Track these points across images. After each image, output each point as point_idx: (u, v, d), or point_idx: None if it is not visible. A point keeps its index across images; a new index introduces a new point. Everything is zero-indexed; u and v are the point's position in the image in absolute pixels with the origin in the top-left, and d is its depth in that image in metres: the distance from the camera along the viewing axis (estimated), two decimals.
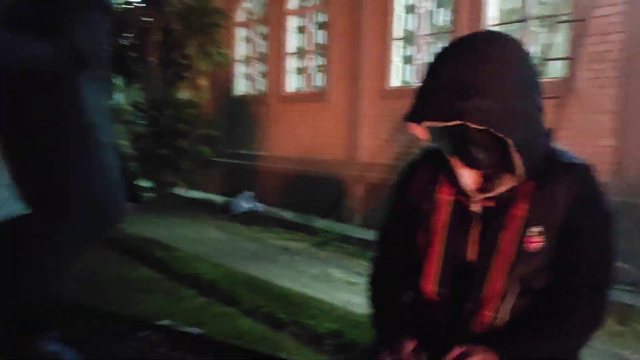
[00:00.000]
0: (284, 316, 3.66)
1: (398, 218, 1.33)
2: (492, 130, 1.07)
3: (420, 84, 1.14)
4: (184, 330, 0.97)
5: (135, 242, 5.29)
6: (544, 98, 1.17)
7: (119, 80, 9.22)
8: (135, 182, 1.63)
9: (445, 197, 1.24)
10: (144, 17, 8.21)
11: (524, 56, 1.14)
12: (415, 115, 1.12)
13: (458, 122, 1.07)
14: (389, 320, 1.28)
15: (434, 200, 1.24)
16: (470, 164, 1.19)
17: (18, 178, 1.39)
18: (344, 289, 4.56)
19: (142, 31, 8.18)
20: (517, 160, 1.11)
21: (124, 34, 8.61)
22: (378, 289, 1.37)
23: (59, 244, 1.41)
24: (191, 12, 8.04)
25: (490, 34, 1.21)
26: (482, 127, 1.07)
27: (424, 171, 1.29)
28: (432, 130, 1.19)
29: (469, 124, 1.07)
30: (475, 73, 1.07)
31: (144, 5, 8.17)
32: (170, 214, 7.30)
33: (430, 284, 1.22)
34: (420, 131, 1.20)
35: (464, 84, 1.06)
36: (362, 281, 4.68)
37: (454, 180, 1.22)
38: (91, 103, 1.45)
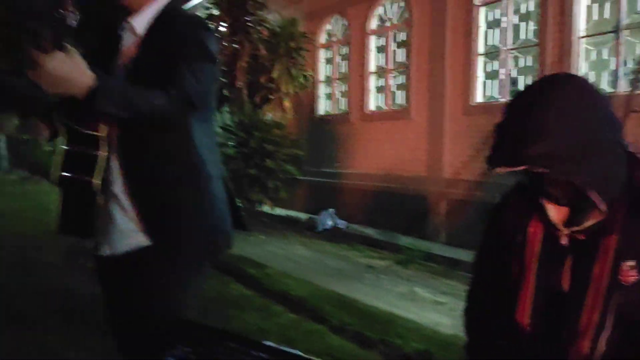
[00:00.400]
0: (372, 334, 3.74)
1: (492, 250, 1.38)
2: (556, 173, 1.11)
3: (494, 128, 1.20)
4: (293, 352, 1.05)
5: (228, 259, 5.58)
6: (620, 128, 1.19)
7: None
8: (240, 211, 1.79)
9: (536, 229, 1.28)
10: (233, 44, 8.67)
11: (589, 93, 1.16)
12: (489, 161, 1.19)
13: (524, 167, 1.12)
14: (484, 351, 1.33)
15: (526, 232, 1.29)
16: (552, 200, 1.23)
17: (140, 212, 1.60)
18: (430, 308, 4.56)
19: (231, 58, 8.64)
20: (595, 196, 1.14)
21: None
22: (473, 319, 1.43)
23: (178, 271, 1.60)
24: (277, 37, 8.39)
25: (556, 77, 1.24)
26: (546, 171, 1.11)
27: (516, 204, 1.34)
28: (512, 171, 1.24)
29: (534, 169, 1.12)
30: (537, 117, 1.11)
31: (233, 32, 8.64)
32: (259, 232, 7.59)
33: (524, 315, 1.26)
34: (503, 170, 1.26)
35: (527, 129, 1.11)
36: (449, 301, 4.68)
37: (543, 214, 1.26)
38: (201, 141, 1.63)
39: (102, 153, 1.55)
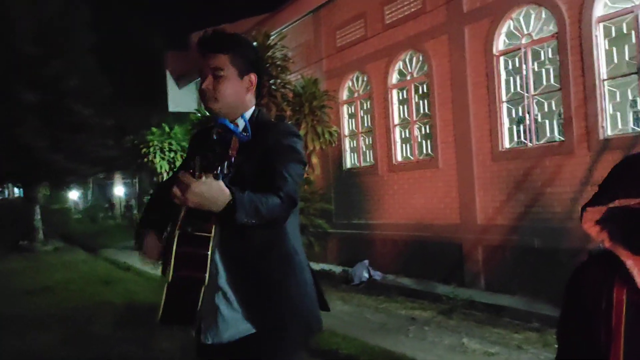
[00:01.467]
0: None
1: (575, 318, 1.44)
2: None
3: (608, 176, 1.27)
4: None
5: None
6: None
7: None
8: (323, 293, 1.92)
9: (620, 294, 1.35)
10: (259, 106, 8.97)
11: None
12: (603, 196, 1.25)
13: None
14: None
15: (611, 298, 1.36)
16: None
17: (244, 302, 1.72)
18: (483, 359, 4.53)
19: None
20: None
21: None
22: None
23: (281, 356, 1.71)
24: (300, 98, 8.68)
25: None
26: None
27: (596, 272, 1.42)
28: (607, 223, 1.31)
29: None
30: None
31: (258, 96, 8.96)
32: None
33: None
34: (594, 229, 1.34)
35: None
36: (500, 351, 4.65)
37: (628, 279, 1.33)
38: (292, 232, 1.79)
39: (209, 252, 1.69)
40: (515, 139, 6.87)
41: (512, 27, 6.85)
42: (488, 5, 6.98)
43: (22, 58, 13.93)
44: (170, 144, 15.23)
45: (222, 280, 1.74)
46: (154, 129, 15.28)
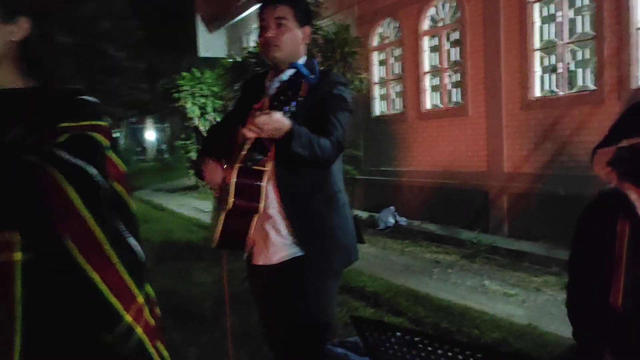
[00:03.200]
0: (449, 326, 4.01)
1: (585, 249, 1.65)
2: None
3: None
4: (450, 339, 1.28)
5: None
6: None
7: None
8: (360, 229, 2.17)
9: (624, 226, 1.54)
10: None
11: None
12: (611, 138, 1.41)
13: None
14: (589, 333, 1.60)
15: (615, 230, 1.55)
16: None
17: (294, 230, 1.98)
18: (501, 300, 4.78)
19: None
20: None
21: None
22: (576, 308, 1.69)
23: (324, 277, 1.98)
24: (331, 44, 8.70)
25: None
26: None
27: (603, 209, 1.61)
28: (617, 159, 1.48)
29: None
30: None
31: None
32: None
33: (618, 298, 1.53)
34: (604, 171, 1.51)
35: None
36: (519, 292, 4.89)
37: (632, 213, 1.51)
38: (337, 174, 2.02)
39: (264, 184, 1.92)
40: (547, 87, 6.86)
41: None
42: None
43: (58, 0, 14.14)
44: (200, 89, 15.41)
45: (274, 210, 1.99)
46: (184, 74, 15.45)
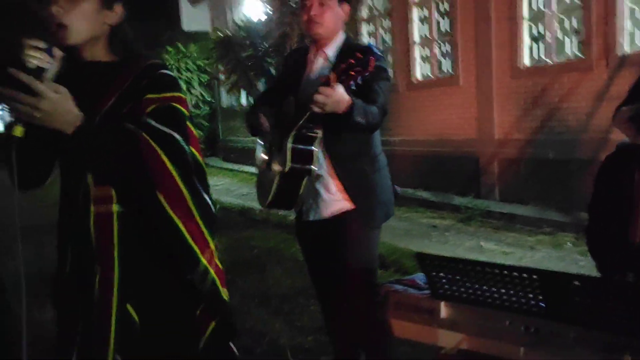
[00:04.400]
0: None
1: (603, 199, 1.90)
2: None
3: None
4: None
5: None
6: None
7: (260, 84, 10.34)
8: (395, 187, 2.41)
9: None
10: (282, 25, 9.12)
11: None
12: (633, 96, 1.64)
13: None
14: (612, 265, 1.85)
15: (633, 178, 1.79)
16: None
17: (345, 187, 2.20)
18: (500, 258, 5.10)
19: (281, 39, 9.11)
20: None
21: (265, 42, 9.66)
22: (597, 246, 1.95)
23: (371, 228, 2.23)
24: None
25: None
26: None
27: (621, 160, 1.85)
28: (636, 116, 1.72)
29: None
30: None
31: (282, 15, 9.08)
32: None
33: (636, 235, 1.78)
34: (624, 126, 1.75)
35: None
36: (515, 250, 5.20)
37: None
38: (377, 139, 2.25)
39: (317, 148, 2.13)
40: (536, 56, 7.10)
41: None
42: None
43: None
44: (186, 63, 15.39)
45: (323, 171, 2.23)
46: (169, 48, 15.37)
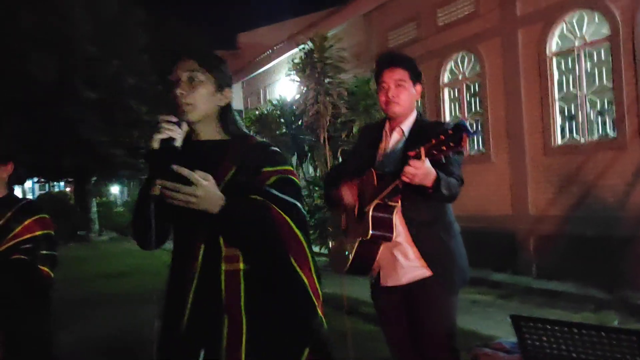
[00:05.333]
0: None
1: None
2: None
3: None
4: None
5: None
6: None
7: (293, 158, 10.68)
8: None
9: None
10: (316, 105, 9.54)
11: None
12: None
13: None
14: None
15: None
16: None
17: (422, 254, 2.33)
18: None
19: (315, 117, 9.51)
20: None
21: (300, 119, 10.09)
22: None
23: (450, 295, 2.32)
24: (355, 97, 9.23)
25: None
26: None
27: None
28: None
29: None
30: None
31: (316, 95, 9.53)
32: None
33: None
34: None
35: None
36: None
37: None
38: (450, 208, 2.38)
39: (395, 217, 2.27)
40: (567, 135, 7.30)
41: (565, 30, 7.26)
42: (542, 9, 7.40)
43: (83, 58, 14.80)
44: None
45: (401, 238, 2.35)
46: None
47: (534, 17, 7.49)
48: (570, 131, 7.28)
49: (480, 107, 8.56)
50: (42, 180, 21.56)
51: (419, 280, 2.34)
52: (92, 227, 17.31)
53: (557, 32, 7.33)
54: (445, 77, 9.18)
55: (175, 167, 1.48)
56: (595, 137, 7.00)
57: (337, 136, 9.68)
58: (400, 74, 2.42)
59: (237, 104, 16.74)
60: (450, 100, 9.20)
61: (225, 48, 17.15)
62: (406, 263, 2.36)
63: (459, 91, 8.98)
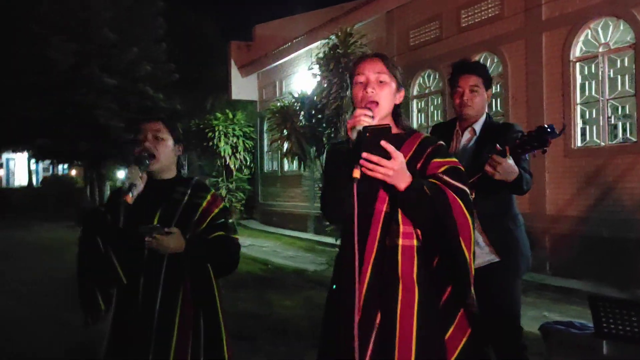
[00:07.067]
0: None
1: None
2: None
3: None
4: None
5: None
6: None
7: (312, 152, 10.88)
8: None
9: None
10: (337, 100, 9.74)
11: None
12: None
13: None
14: None
15: None
16: None
17: (492, 241, 2.55)
18: None
19: (336, 111, 9.71)
20: None
21: (320, 113, 10.28)
22: None
23: (516, 280, 2.54)
24: None
25: None
26: None
27: None
28: None
29: None
30: None
31: (338, 89, 9.72)
32: None
33: None
34: None
35: None
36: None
37: None
38: (515, 200, 2.59)
39: None
40: (588, 138, 7.50)
41: (589, 36, 7.46)
42: (567, 14, 7.59)
43: (101, 44, 14.99)
44: (233, 129, 16.14)
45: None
46: (218, 114, 16.20)
47: (559, 22, 7.68)
48: (591, 134, 7.48)
49: (501, 107, 8.76)
50: (55, 162, 21.68)
51: (488, 265, 2.57)
52: None
53: (581, 37, 7.52)
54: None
55: (383, 142, 1.61)
56: (615, 141, 7.21)
57: None
58: (474, 80, 2.65)
59: (252, 94, 16.90)
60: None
61: (241, 39, 17.28)
62: (477, 250, 2.57)
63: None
